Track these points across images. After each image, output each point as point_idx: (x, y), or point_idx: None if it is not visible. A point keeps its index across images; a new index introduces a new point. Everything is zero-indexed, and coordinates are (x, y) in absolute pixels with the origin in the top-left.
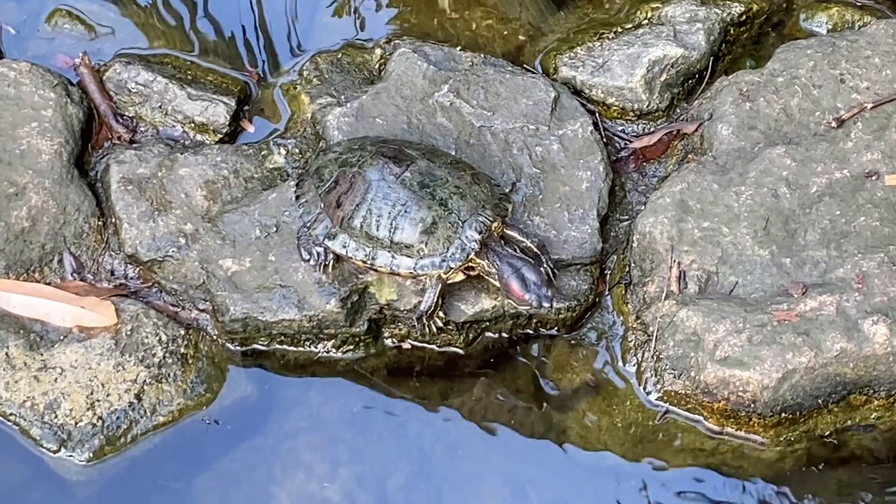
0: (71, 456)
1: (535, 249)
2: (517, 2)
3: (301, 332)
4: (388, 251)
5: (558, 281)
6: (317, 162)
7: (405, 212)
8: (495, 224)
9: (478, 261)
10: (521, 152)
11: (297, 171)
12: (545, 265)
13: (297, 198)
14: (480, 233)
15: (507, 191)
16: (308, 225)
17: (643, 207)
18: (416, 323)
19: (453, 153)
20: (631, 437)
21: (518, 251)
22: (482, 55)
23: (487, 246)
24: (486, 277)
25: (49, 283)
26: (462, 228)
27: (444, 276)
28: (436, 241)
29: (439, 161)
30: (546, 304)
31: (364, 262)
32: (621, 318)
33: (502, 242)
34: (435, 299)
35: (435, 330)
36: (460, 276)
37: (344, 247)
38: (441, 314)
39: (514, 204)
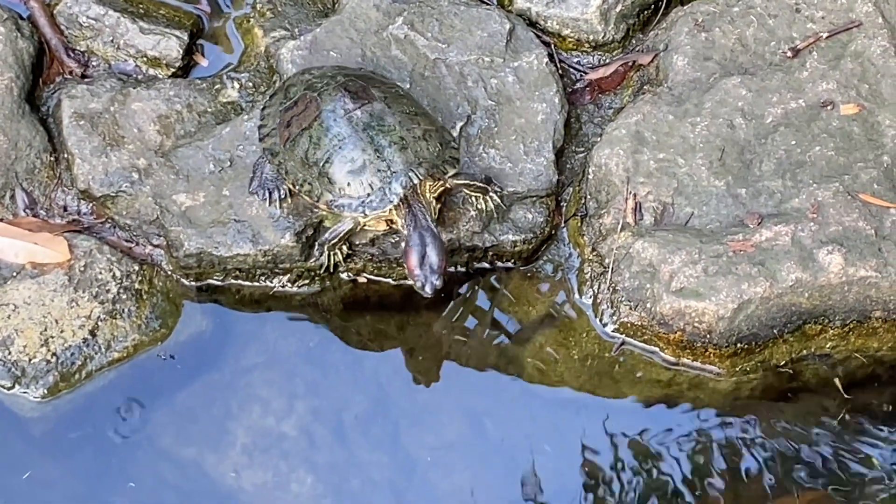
0: (25, 392)
1: (483, 184)
2: None
3: (256, 266)
4: (317, 181)
5: (513, 213)
6: (292, 79)
7: (340, 148)
8: (427, 184)
9: (395, 217)
10: (476, 84)
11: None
12: (493, 194)
13: (263, 108)
14: (404, 188)
15: (456, 154)
16: (261, 137)
17: (599, 139)
18: (316, 247)
19: (408, 86)
20: (587, 369)
21: (436, 227)
22: None
23: (410, 206)
24: (398, 235)
25: (1, 220)
26: (389, 179)
27: (360, 221)
28: (359, 184)
29: (398, 108)
30: (428, 290)
31: (293, 186)
32: (577, 250)
33: (426, 209)
34: (340, 235)
35: (332, 264)
36: (382, 227)
37: (279, 166)
38: (344, 248)
39: (461, 167)
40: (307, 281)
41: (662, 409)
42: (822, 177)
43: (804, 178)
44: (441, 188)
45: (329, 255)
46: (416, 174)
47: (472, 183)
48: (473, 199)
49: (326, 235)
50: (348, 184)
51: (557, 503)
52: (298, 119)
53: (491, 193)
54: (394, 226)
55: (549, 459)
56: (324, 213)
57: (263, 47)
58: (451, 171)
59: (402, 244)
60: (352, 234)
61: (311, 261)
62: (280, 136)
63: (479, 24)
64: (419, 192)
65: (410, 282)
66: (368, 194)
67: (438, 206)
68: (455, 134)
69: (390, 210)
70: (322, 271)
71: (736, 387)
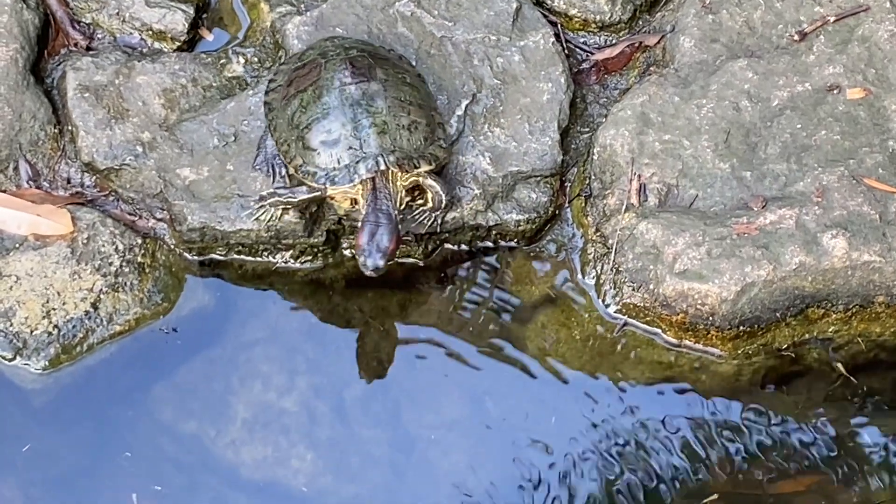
0: (26, 364)
1: (443, 196)
2: None
3: (259, 242)
4: (294, 144)
5: (517, 193)
6: (314, 43)
7: (322, 117)
8: (393, 172)
9: (359, 197)
10: (482, 63)
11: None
12: (439, 212)
13: (280, 64)
14: (369, 171)
15: (439, 153)
16: (267, 90)
17: (604, 120)
18: (265, 195)
19: (415, 66)
20: (589, 350)
21: (395, 213)
22: None
23: (376, 190)
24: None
25: (4, 191)
26: (357, 159)
27: (327, 194)
28: (329, 156)
29: (394, 93)
30: (369, 266)
31: (277, 143)
32: (581, 230)
33: (391, 196)
34: (297, 198)
35: (264, 219)
36: (346, 205)
37: (272, 121)
38: (286, 217)
39: (437, 164)
40: (310, 257)
41: (663, 391)
42: (827, 161)
43: (809, 162)
44: (413, 180)
45: (269, 211)
46: (384, 161)
47: (437, 189)
48: (427, 197)
49: (281, 192)
50: (319, 153)
51: (557, 483)
52: (299, 80)
53: (440, 209)
54: (356, 206)
55: (549, 439)
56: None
57: (269, 22)
58: (424, 167)
59: (359, 222)
60: (306, 205)
61: (247, 212)
62: (281, 94)
63: (485, 2)
64: (389, 179)
65: (356, 256)
66: (335, 168)
67: (407, 198)
68: (460, 113)
69: (356, 188)
70: (251, 221)
71: (738, 370)
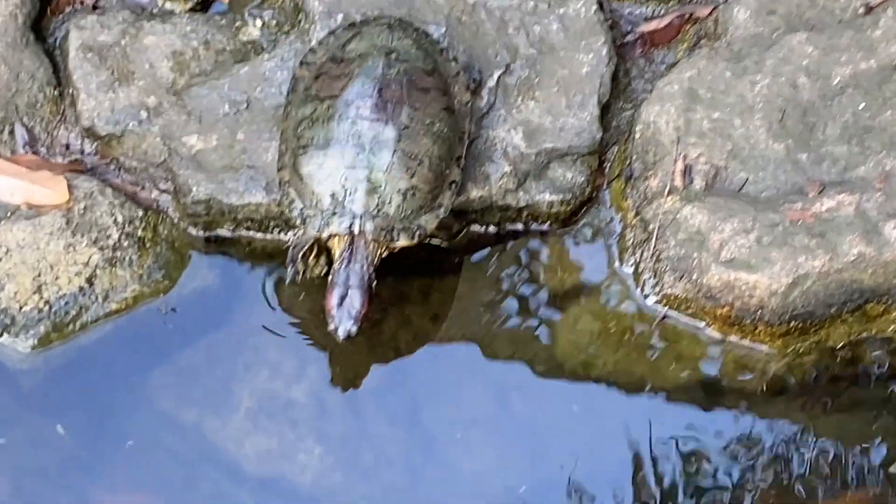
0: (14, 342)
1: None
2: None
3: (269, 217)
4: (288, 153)
5: (551, 171)
6: (368, 30)
7: (323, 146)
8: (369, 238)
9: (336, 247)
10: (518, 31)
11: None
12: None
13: (329, 33)
14: (340, 230)
15: (426, 224)
16: (303, 60)
17: (648, 95)
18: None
19: (443, 29)
20: (625, 344)
21: (370, 273)
22: None
23: (353, 243)
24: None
25: None
26: (335, 212)
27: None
28: (310, 193)
29: (408, 146)
30: (340, 334)
31: (280, 138)
32: (620, 214)
33: (367, 255)
34: (304, 243)
35: (300, 270)
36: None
37: (287, 106)
38: (319, 265)
39: (421, 239)
40: None
41: (705, 390)
42: (891, 144)
43: (872, 145)
44: (379, 249)
45: (296, 261)
46: (359, 225)
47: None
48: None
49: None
50: (304, 183)
51: (588, 487)
52: (326, 81)
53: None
54: (328, 247)
55: (579, 441)
56: None
57: None
58: (402, 242)
59: (329, 278)
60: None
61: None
62: (310, 76)
63: None
64: (360, 238)
65: (326, 319)
66: (311, 208)
67: (384, 254)
68: (491, 85)
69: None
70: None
71: (787, 369)
